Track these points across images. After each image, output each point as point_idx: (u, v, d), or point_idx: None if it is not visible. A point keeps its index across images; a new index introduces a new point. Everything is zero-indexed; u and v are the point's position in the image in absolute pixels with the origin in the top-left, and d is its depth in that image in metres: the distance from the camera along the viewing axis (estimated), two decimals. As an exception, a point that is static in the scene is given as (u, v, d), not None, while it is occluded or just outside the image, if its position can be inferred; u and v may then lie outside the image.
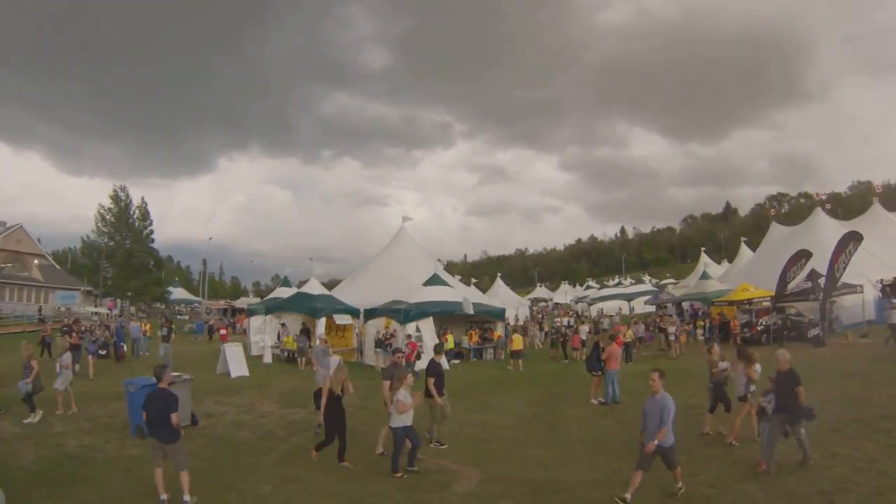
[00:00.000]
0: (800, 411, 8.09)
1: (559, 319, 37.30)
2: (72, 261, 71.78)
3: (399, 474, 8.43)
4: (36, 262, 50.85)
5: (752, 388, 9.74)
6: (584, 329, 26.38)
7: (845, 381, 14.22)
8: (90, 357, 18.23)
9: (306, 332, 23.19)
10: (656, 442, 7.05)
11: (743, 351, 10.65)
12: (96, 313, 45.44)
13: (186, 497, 7.23)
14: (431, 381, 10.18)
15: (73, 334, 18.70)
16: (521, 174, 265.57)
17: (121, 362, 22.16)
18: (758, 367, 9.95)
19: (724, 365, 10.66)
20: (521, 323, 33.75)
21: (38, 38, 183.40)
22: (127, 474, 8.46)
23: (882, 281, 24.96)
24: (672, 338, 23.30)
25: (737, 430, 9.75)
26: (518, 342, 22.17)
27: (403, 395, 8.59)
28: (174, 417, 7.35)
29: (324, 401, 9.22)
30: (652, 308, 42.12)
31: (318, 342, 17.10)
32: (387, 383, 9.59)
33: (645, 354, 23.79)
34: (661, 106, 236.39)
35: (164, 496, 7.23)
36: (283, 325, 25.59)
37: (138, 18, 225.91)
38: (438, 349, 12.56)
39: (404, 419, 8.57)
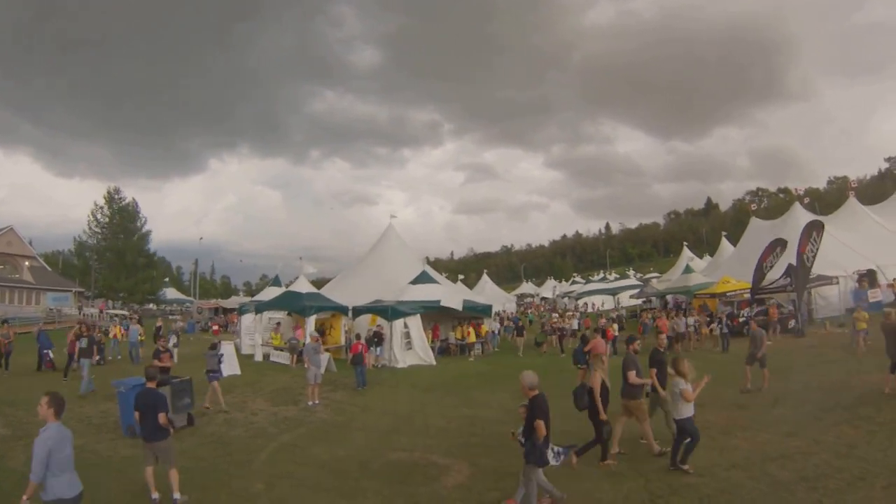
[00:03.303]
0: (532, 450, 6.78)
1: (555, 315, 37.22)
2: (63, 262, 71.13)
3: (686, 467, 7.93)
4: (27, 264, 50.41)
5: None
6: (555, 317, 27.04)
7: (825, 368, 14.55)
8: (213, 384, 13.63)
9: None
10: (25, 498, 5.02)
11: None
12: (116, 315, 45.07)
13: (176, 495, 7.27)
14: (654, 372, 9.27)
15: (164, 355, 14.02)
16: (508, 172, 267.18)
17: (44, 372, 19.42)
18: None
19: None
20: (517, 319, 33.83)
21: (22, 35, 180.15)
22: (119, 475, 8.44)
23: (858, 272, 25.50)
24: (691, 329, 22.79)
25: None
26: (472, 335, 24.38)
27: (685, 384, 7.99)
28: (161, 417, 7.40)
29: (597, 398, 8.54)
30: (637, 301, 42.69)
31: (308, 339, 17.08)
32: (654, 370, 9.21)
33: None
34: (645, 104, 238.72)
35: (155, 495, 7.28)
36: (278, 323, 25.60)
37: (126, 16, 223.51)
38: (632, 340, 11.28)
39: (690, 409, 7.99)
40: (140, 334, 23.12)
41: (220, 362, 13.94)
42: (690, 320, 23.13)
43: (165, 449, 7.50)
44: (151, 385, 7.98)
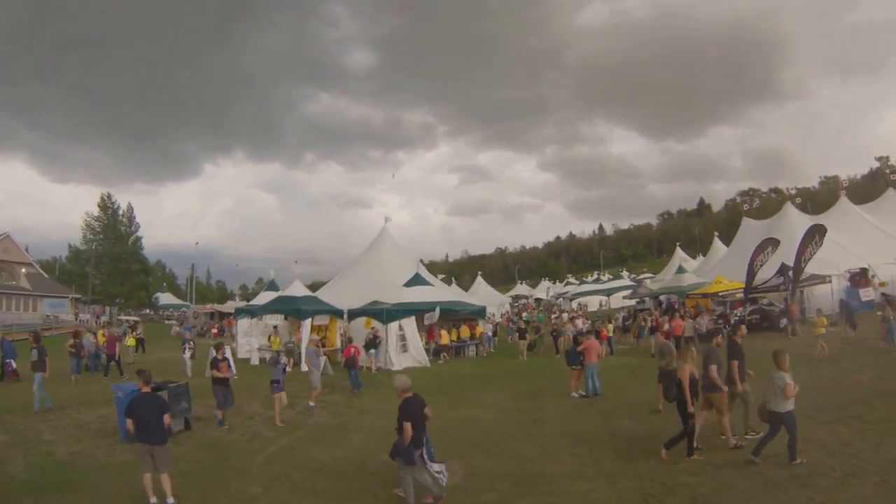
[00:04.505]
0: (396, 448, 7.15)
1: (556, 317, 36.92)
2: (59, 269, 71.12)
3: (800, 460, 7.85)
4: (24, 270, 50.67)
5: None
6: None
7: (817, 367, 14.67)
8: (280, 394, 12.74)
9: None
10: None
11: None
12: (126, 321, 45.10)
13: (170, 500, 7.37)
14: (736, 364, 9.39)
15: (222, 364, 12.55)
16: (502, 174, 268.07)
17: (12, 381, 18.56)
18: None
19: None
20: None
21: (16, 39, 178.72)
22: (118, 479, 8.48)
23: (850, 271, 25.76)
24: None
25: None
26: (445, 337, 24.34)
27: (788, 378, 7.98)
28: (167, 418, 7.67)
29: (686, 390, 8.52)
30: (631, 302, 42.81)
31: (309, 343, 16.99)
32: (735, 363, 9.31)
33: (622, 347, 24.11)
34: (639, 104, 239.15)
35: (153, 500, 7.36)
36: (274, 326, 25.61)
37: (118, 19, 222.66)
38: (713, 334, 11.10)
39: (791, 403, 7.98)
40: (93, 342, 22.33)
41: (283, 372, 13.29)
42: (702, 321, 22.69)
43: (165, 453, 7.63)
44: (147, 389, 8.09)
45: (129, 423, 7.63)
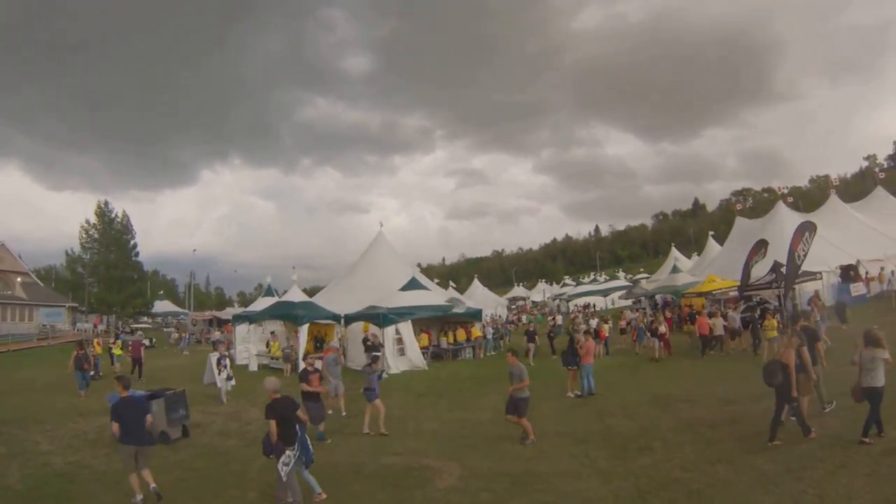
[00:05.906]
0: (267, 445, 7.51)
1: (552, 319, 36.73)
2: (56, 278, 70.81)
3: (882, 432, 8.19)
4: (19, 280, 50.12)
5: None
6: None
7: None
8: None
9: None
10: None
11: None
12: (140, 329, 45.20)
13: (153, 484, 7.76)
14: (821, 345, 9.97)
15: (313, 376, 11.33)
16: (499, 177, 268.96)
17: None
18: None
19: None
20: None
21: (10, 42, 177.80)
22: (115, 488, 8.46)
23: (841, 267, 25.96)
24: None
25: None
26: (424, 340, 24.00)
27: (887, 353, 8.26)
28: (149, 418, 8.10)
29: (793, 374, 8.75)
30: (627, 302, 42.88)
31: (328, 351, 16.66)
32: (819, 343, 9.83)
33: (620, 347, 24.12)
34: (634, 106, 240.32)
35: (139, 497, 7.64)
36: (272, 332, 25.60)
37: (114, 23, 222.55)
38: (796, 319, 11.47)
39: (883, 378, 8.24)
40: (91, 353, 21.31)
41: (380, 378, 12.42)
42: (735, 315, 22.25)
43: (147, 453, 8.03)
44: (126, 394, 8.32)
45: (115, 426, 7.88)
